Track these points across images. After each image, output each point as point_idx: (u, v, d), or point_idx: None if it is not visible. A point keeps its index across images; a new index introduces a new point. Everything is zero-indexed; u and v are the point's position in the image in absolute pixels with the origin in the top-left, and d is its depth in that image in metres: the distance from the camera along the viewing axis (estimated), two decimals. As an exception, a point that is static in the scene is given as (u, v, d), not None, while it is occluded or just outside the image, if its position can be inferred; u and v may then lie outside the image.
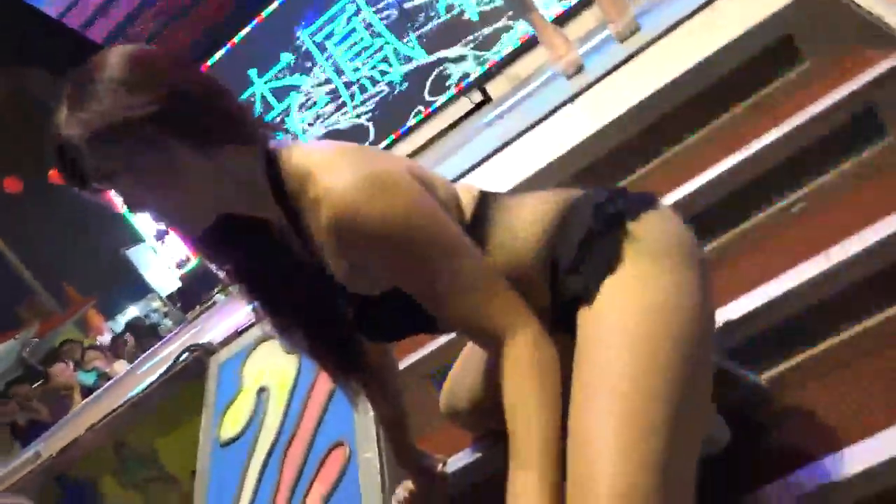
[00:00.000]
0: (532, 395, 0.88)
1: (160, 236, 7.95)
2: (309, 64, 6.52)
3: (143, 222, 7.96)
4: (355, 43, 6.39)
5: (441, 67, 6.21)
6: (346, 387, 1.21)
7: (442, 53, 6.21)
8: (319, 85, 6.53)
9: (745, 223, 1.59)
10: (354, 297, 1.03)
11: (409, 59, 6.29)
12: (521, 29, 5.70)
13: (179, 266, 7.93)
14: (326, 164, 0.92)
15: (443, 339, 1.77)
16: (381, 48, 6.34)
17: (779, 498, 1.10)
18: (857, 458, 1.08)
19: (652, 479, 0.80)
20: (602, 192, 1.02)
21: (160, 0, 6.87)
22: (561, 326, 0.98)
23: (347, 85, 6.49)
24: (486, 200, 1.07)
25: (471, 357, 1.38)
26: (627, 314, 0.89)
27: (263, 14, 6.47)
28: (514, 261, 1.00)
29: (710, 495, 0.88)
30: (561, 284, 0.99)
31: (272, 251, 1.03)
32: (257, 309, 1.10)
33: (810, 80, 1.70)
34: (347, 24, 6.37)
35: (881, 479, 1.06)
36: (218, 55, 6.60)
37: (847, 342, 1.33)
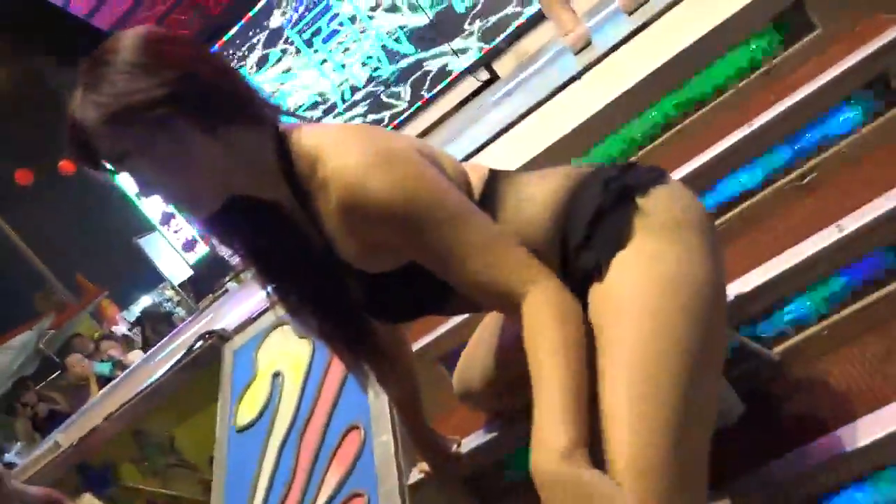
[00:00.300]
0: (553, 339, 0.86)
1: (166, 220, 7.98)
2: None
3: (150, 206, 7.99)
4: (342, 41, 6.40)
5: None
6: (357, 369, 1.21)
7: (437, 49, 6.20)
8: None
9: (756, 195, 1.57)
10: (364, 278, 1.03)
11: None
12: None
13: (187, 248, 7.96)
14: (334, 144, 0.93)
15: (452, 322, 1.77)
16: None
17: (792, 469, 1.10)
18: (869, 430, 1.07)
19: (666, 446, 0.80)
20: (611, 168, 1.02)
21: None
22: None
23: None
24: (495, 178, 1.07)
25: (482, 338, 1.38)
26: (639, 288, 0.89)
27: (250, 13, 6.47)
28: (524, 237, 0.99)
29: (725, 467, 0.88)
30: (572, 261, 0.99)
31: (282, 233, 1.03)
32: (270, 293, 1.10)
33: (822, 47, 1.67)
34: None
35: (892, 450, 1.05)
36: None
37: (859, 314, 1.31)
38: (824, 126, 1.54)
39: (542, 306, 0.88)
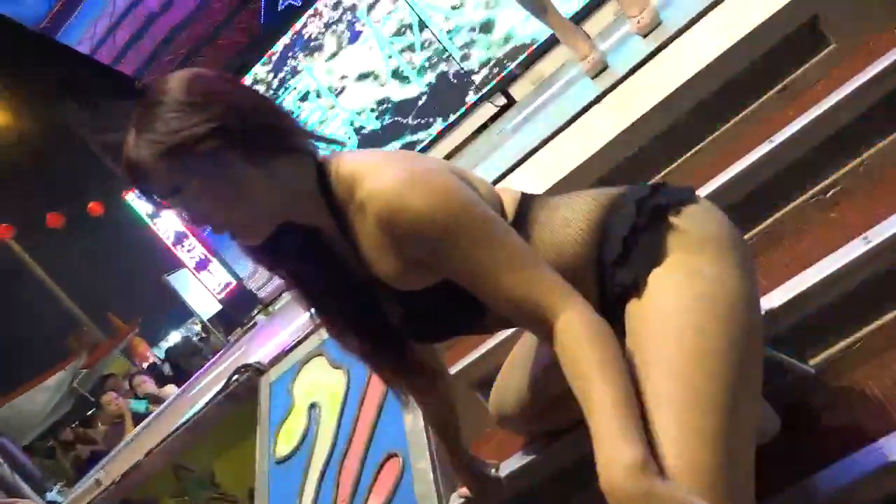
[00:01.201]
0: (594, 356, 0.86)
1: (202, 266, 8.09)
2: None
3: (185, 254, 8.11)
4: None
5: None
6: (397, 388, 1.24)
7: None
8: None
9: (780, 211, 1.59)
10: (400, 297, 1.06)
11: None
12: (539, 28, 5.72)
13: (222, 290, 8.07)
14: (370, 167, 0.98)
15: (486, 347, 1.80)
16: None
17: (835, 482, 1.11)
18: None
19: (714, 458, 0.82)
20: (643, 188, 1.05)
21: (183, 32, 7.03)
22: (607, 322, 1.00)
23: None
24: (527, 201, 1.11)
25: (517, 361, 1.40)
26: (679, 304, 0.92)
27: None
28: (558, 258, 1.02)
29: (765, 483, 0.90)
30: (608, 278, 1.01)
31: (322, 258, 1.08)
32: (314, 315, 1.14)
33: (837, 62, 1.70)
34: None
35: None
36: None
37: (890, 325, 1.32)
38: (845, 140, 1.56)
39: (577, 325, 0.89)
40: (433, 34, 6.26)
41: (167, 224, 7.97)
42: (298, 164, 1.00)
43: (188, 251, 8.01)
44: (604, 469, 0.80)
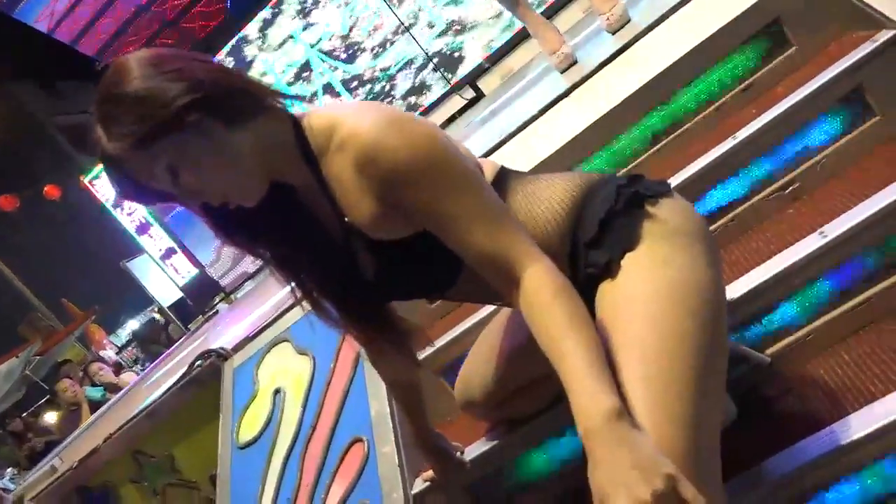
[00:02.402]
0: (562, 312, 0.88)
1: (168, 255, 7.96)
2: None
3: (150, 243, 7.96)
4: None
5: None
6: (379, 354, 1.26)
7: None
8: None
9: (742, 205, 1.63)
10: (376, 250, 1.05)
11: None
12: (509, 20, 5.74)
13: (183, 277, 7.94)
14: (348, 112, 0.98)
15: (452, 334, 1.82)
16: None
17: (783, 467, 1.15)
18: (856, 427, 1.12)
19: (685, 435, 0.84)
20: (622, 178, 1.09)
21: (147, 14, 6.89)
22: None
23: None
24: (506, 173, 1.13)
25: (483, 348, 1.42)
26: (650, 289, 0.95)
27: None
28: (532, 231, 1.04)
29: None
30: (581, 257, 1.04)
31: (299, 219, 1.07)
32: (293, 288, 1.13)
33: (798, 63, 1.75)
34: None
35: (879, 445, 1.10)
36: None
37: (844, 316, 1.37)
38: (805, 138, 1.61)
39: (543, 281, 0.91)
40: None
41: (130, 211, 7.82)
42: (274, 120, 1.00)
43: (153, 239, 7.86)
44: (581, 416, 0.81)
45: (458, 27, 6.11)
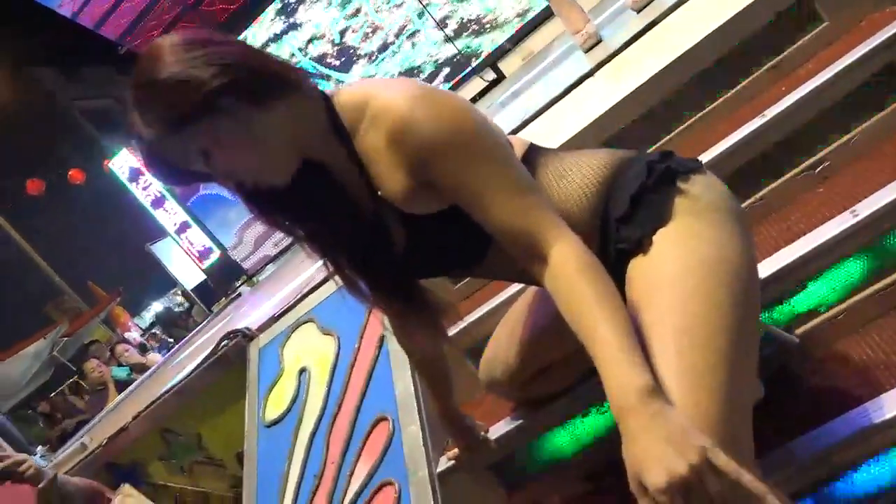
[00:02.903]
0: (591, 289, 0.88)
1: (182, 229, 8.05)
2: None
3: (165, 217, 8.06)
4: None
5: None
6: (408, 329, 1.26)
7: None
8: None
9: (769, 186, 1.61)
10: (407, 224, 1.06)
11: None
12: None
13: (202, 257, 8.03)
14: (382, 86, 0.99)
15: (477, 314, 1.82)
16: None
17: (812, 448, 1.15)
18: (886, 408, 1.11)
19: (719, 409, 0.84)
20: (653, 154, 1.08)
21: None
22: None
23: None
24: (535, 150, 1.13)
25: (508, 330, 1.42)
26: (682, 263, 0.94)
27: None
28: (562, 208, 1.04)
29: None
30: (612, 233, 1.04)
31: (331, 195, 1.07)
32: (326, 264, 1.14)
33: (829, 39, 1.72)
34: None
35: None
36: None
37: (874, 297, 1.35)
38: (835, 116, 1.59)
39: (571, 258, 0.91)
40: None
41: (148, 188, 7.91)
42: (303, 99, 1.00)
43: (169, 214, 7.95)
44: (615, 392, 0.82)
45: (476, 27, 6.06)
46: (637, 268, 1.00)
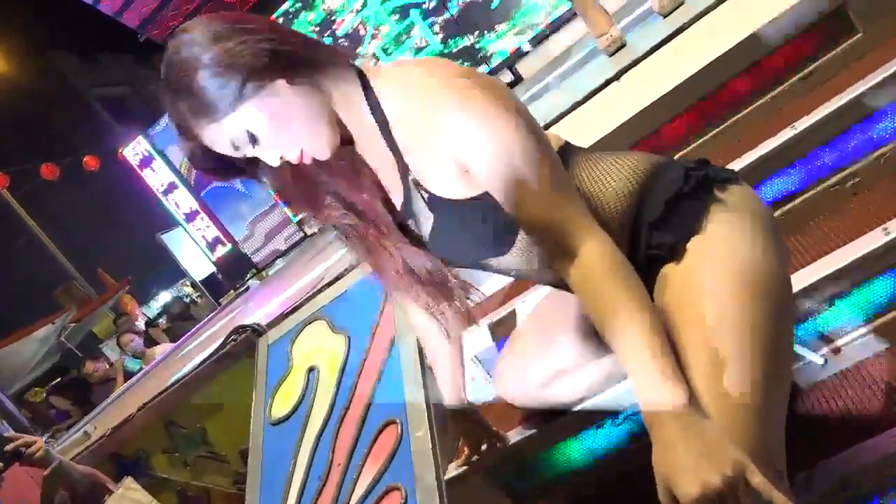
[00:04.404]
0: (621, 292, 0.87)
1: (190, 218, 8.06)
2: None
3: (176, 204, 8.07)
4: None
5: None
6: (438, 312, 1.22)
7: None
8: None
9: (798, 199, 1.57)
10: (437, 206, 1.03)
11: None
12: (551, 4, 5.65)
13: (210, 247, 8.04)
14: (423, 67, 0.97)
15: (489, 319, 1.79)
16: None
17: (840, 471, 1.11)
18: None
19: (754, 424, 0.82)
20: (690, 160, 1.05)
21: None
22: None
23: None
24: (570, 147, 1.10)
25: (524, 334, 1.40)
26: (718, 273, 0.92)
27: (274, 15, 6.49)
28: (594, 207, 1.01)
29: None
30: (643, 238, 1.01)
31: (362, 171, 1.05)
32: (352, 245, 1.12)
33: (863, 51, 1.67)
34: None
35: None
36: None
37: (905, 316, 1.31)
38: (867, 130, 1.55)
39: (601, 256, 0.89)
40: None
41: (159, 177, 7.92)
42: (339, 74, 0.98)
43: (178, 202, 7.97)
44: (648, 398, 0.81)
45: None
46: (670, 274, 0.97)
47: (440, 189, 1.00)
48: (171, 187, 7.97)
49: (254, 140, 0.93)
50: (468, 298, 1.17)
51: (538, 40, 5.76)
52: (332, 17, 6.53)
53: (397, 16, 6.24)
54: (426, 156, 0.98)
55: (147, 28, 7.19)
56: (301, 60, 0.94)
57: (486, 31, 6.05)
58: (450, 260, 1.16)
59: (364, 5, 6.30)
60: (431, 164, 0.98)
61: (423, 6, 6.16)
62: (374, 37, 6.39)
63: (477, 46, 6.10)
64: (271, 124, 0.93)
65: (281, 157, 0.97)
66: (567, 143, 1.11)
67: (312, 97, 0.95)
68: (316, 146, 0.97)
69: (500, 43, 6.02)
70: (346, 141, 1.02)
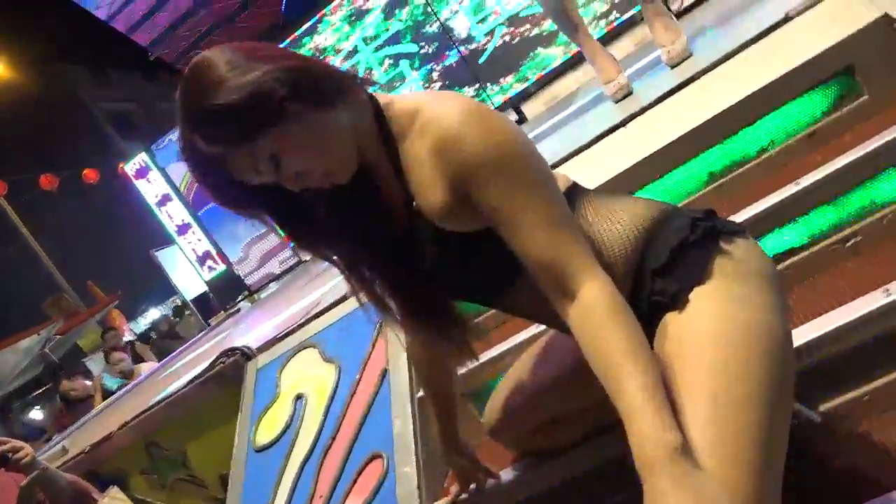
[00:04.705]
0: (620, 337, 0.86)
1: (182, 230, 8.04)
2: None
3: (168, 215, 8.05)
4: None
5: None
6: (443, 346, 1.20)
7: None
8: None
9: (800, 254, 1.57)
10: (441, 239, 1.03)
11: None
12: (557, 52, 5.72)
13: (201, 261, 8.01)
14: (435, 98, 0.98)
15: (487, 356, 1.77)
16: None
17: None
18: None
19: (751, 481, 0.81)
20: (698, 210, 1.06)
21: (204, 10, 7.00)
22: None
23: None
24: (577, 189, 1.10)
25: (519, 375, 1.38)
26: (721, 326, 0.91)
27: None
28: (598, 251, 1.01)
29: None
30: (646, 284, 1.00)
31: (368, 199, 1.05)
32: (353, 279, 1.11)
33: (868, 114, 1.69)
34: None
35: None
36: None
37: (903, 380, 1.30)
38: (869, 191, 1.55)
39: (601, 300, 0.89)
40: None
41: (154, 188, 7.91)
42: (356, 102, 0.99)
43: (169, 215, 7.95)
44: (643, 446, 0.80)
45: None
46: (671, 324, 0.97)
47: (444, 221, 1.00)
48: (165, 199, 7.97)
49: (276, 165, 0.93)
50: (467, 333, 1.16)
51: (543, 84, 5.82)
52: (322, 56, 6.59)
53: (389, 62, 6.30)
54: (431, 186, 0.98)
55: (157, 47, 7.26)
56: (325, 88, 0.95)
57: (489, 84, 6.10)
58: (450, 293, 1.16)
59: (355, 51, 6.36)
60: (436, 195, 0.98)
61: (419, 53, 6.22)
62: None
63: (478, 99, 6.14)
64: (294, 149, 0.93)
65: (301, 182, 0.97)
66: (575, 184, 1.12)
67: (333, 123, 0.95)
68: (336, 171, 0.98)
69: (502, 96, 6.07)
70: (362, 167, 1.03)
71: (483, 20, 5.89)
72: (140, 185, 7.95)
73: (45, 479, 2.07)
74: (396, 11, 6.17)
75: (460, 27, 6.00)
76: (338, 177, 0.98)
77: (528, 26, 5.76)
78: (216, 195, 0.97)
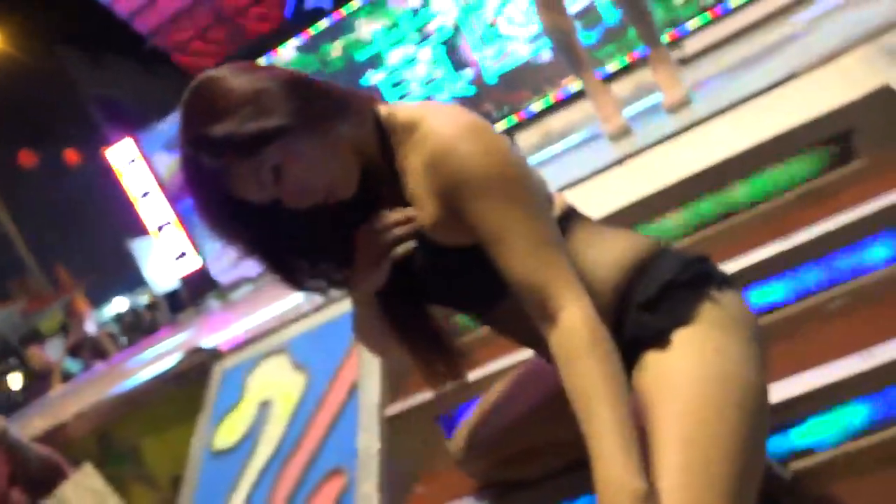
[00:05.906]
0: (597, 369, 0.87)
1: (161, 223, 7.95)
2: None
3: (149, 209, 7.95)
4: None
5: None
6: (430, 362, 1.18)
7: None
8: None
9: (784, 310, 1.57)
10: (431, 250, 1.03)
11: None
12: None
13: (178, 256, 7.91)
14: (435, 110, 0.99)
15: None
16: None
17: None
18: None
19: None
20: (692, 253, 1.07)
21: (207, 3, 6.98)
22: None
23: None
24: (573, 212, 1.10)
25: (494, 401, 1.36)
26: (700, 372, 0.92)
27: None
28: (586, 276, 1.00)
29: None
30: (631, 317, 1.00)
31: (361, 205, 1.04)
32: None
33: (864, 177, 1.70)
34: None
35: None
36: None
37: (877, 446, 1.30)
38: (858, 255, 1.56)
39: (580, 325, 0.90)
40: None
41: (137, 181, 7.81)
42: (358, 114, 1.01)
43: (150, 209, 7.85)
44: (608, 490, 0.80)
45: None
46: (650, 362, 0.97)
47: (434, 233, 1.01)
48: (147, 192, 7.87)
49: (278, 177, 0.93)
50: (453, 348, 1.16)
51: (538, 115, 5.88)
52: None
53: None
54: (424, 198, 0.99)
55: (157, 37, 7.22)
56: (330, 104, 0.97)
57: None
58: (439, 306, 1.16)
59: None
60: (428, 207, 0.99)
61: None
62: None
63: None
64: (296, 161, 0.93)
65: (303, 198, 0.97)
66: (571, 208, 1.11)
67: (337, 139, 0.96)
68: (339, 186, 0.99)
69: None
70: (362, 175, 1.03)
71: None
72: (123, 170, 7.85)
73: (11, 446, 2.03)
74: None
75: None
76: (340, 192, 0.99)
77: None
78: (208, 214, 0.98)
